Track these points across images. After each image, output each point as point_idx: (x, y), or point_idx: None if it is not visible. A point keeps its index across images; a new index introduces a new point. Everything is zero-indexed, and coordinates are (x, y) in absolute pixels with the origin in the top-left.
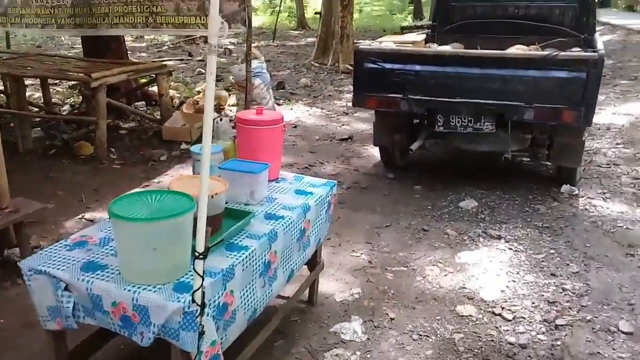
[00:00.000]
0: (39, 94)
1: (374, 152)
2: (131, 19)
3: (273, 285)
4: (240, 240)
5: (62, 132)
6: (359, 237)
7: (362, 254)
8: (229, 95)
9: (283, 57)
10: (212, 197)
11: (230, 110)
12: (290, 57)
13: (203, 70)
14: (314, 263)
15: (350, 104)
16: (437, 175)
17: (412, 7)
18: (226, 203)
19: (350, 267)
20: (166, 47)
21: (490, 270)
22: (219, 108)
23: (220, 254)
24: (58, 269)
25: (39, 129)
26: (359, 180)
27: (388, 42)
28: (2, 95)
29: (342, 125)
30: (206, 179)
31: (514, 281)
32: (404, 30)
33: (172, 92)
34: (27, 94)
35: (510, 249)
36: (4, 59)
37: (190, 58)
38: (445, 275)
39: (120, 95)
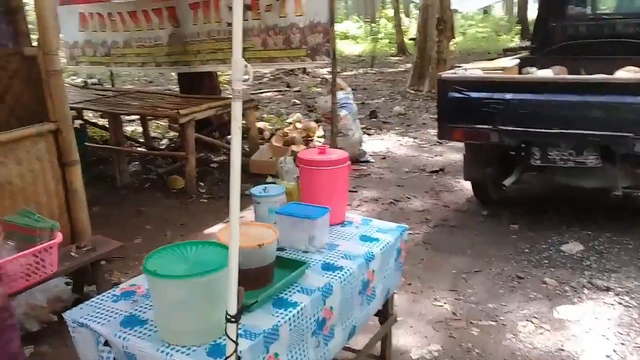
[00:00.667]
0: (141, 129)
1: (467, 185)
2: (221, 55)
3: (329, 345)
4: (290, 296)
5: (158, 167)
6: (443, 283)
7: (445, 303)
8: (318, 126)
9: (379, 85)
10: (260, 246)
11: (319, 142)
12: (387, 84)
13: (298, 102)
14: (384, 316)
15: None
16: (537, 213)
17: (520, 27)
18: (284, 250)
19: (431, 318)
20: (266, 78)
21: (594, 330)
22: (307, 139)
23: (265, 312)
24: (99, 322)
25: (137, 163)
26: (448, 218)
27: (475, 69)
28: (104, 131)
29: (435, 155)
30: (236, 230)
31: (623, 344)
32: (506, 52)
33: (263, 124)
34: (131, 129)
35: (621, 303)
36: (106, 97)
37: (288, 89)
38: (541, 333)
39: (212, 129)
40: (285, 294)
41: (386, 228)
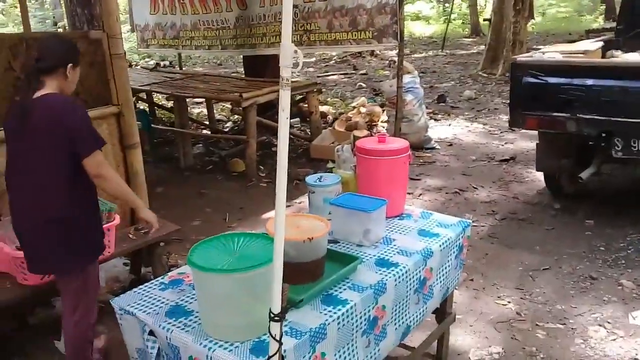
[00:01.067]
0: (206, 112)
1: (539, 176)
2: None
3: (381, 345)
4: (340, 292)
5: (221, 149)
6: (508, 280)
7: (510, 302)
8: (383, 111)
9: (449, 68)
10: (309, 240)
11: (383, 127)
12: (457, 67)
13: (364, 85)
14: (442, 314)
15: None
16: (616, 208)
17: (604, 7)
18: (337, 242)
19: (493, 317)
20: (333, 61)
21: None
22: (371, 124)
23: (314, 308)
24: (145, 311)
25: (201, 145)
26: (516, 210)
27: (553, 53)
28: (171, 113)
29: (505, 143)
30: (281, 224)
31: None
32: (589, 33)
33: (326, 108)
34: (197, 111)
35: None
36: (174, 79)
37: (354, 72)
38: (614, 339)
39: (275, 112)
40: (335, 290)
41: (447, 223)
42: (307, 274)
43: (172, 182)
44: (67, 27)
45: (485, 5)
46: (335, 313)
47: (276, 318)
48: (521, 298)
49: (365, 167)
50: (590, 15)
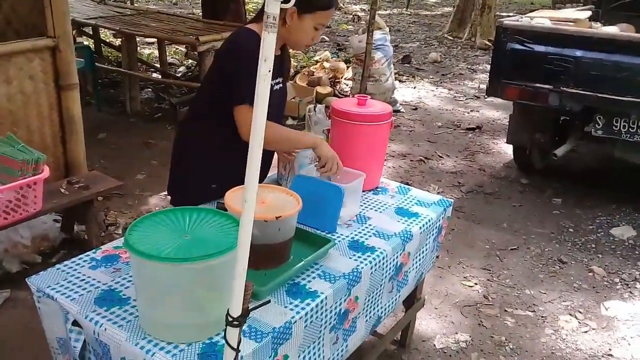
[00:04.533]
0: (157, 53)
1: (506, 148)
2: None
3: (349, 340)
4: (309, 282)
5: (172, 96)
6: (475, 259)
7: (476, 284)
8: (347, 67)
9: (414, 28)
10: (277, 219)
11: (346, 85)
12: (423, 27)
13: (327, 38)
14: (411, 300)
15: (483, 86)
16: (585, 187)
17: None
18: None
19: (459, 300)
20: None
21: None
22: (334, 81)
23: (278, 302)
24: (69, 296)
25: (150, 90)
26: (483, 184)
27: (542, 19)
28: (119, 52)
29: (471, 111)
30: (252, 203)
31: None
32: (556, 4)
33: None
34: (148, 52)
35: None
36: (124, 15)
37: None
38: (586, 331)
39: None
40: (303, 279)
41: (427, 201)
42: (271, 258)
43: (116, 128)
44: None
45: None
46: (303, 309)
47: (235, 322)
48: (488, 280)
49: (342, 133)
50: None
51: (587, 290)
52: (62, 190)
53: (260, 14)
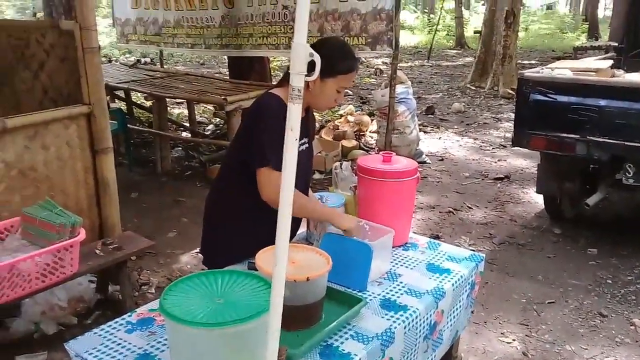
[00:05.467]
0: (187, 112)
1: (537, 198)
2: (274, 40)
3: None
4: (342, 343)
5: (201, 153)
6: (512, 314)
7: (514, 340)
8: (371, 120)
9: (436, 79)
10: (307, 280)
11: (371, 137)
12: (444, 78)
13: (350, 92)
14: (447, 359)
15: (509, 135)
16: (618, 235)
17: (587, 25)
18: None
19: (497, 358)
20: None
21: None
22: (359, 134)
23: None
24: None
25: (180, 148)
26: (515, 234)
27: (563, 69)
28: (150, 113)
29: (498, 160)
30: (282, 268)
31: None
32: (577, 51)
33: None
34: (177, 111)
35: None
36: (154, 77)
37: None
38: None
39: None
40: (335, 340)
41: (459, 256)
42: (303, 319)
43: (147, 187)
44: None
45: (469, 18)
46: None
47: None
48: (527, 335)
49: (369, 190)
50: (572, 33)
51: (630, 344)
52: (97, 252)
53: (284, 79)
